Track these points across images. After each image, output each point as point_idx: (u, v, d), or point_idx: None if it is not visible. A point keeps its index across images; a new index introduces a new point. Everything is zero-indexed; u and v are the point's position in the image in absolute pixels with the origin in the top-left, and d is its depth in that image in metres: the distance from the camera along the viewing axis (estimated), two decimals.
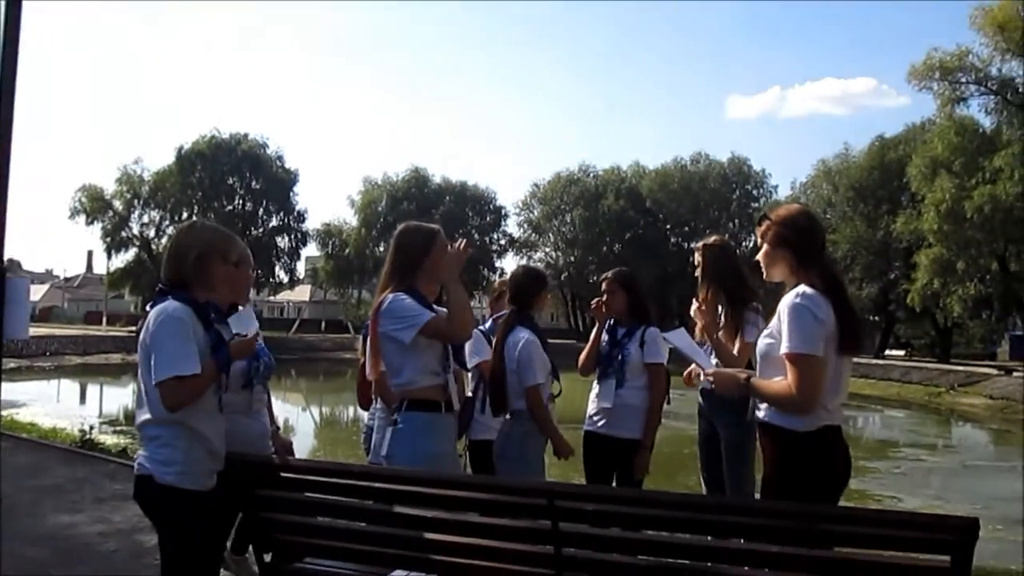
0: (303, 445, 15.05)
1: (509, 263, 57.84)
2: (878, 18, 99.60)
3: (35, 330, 33.02)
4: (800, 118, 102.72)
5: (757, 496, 3.09)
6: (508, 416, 4.16)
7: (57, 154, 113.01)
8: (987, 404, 24.88)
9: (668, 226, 57.16)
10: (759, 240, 3.06)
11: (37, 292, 67.50)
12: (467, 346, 4.60)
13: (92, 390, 26.65)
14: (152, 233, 50.76)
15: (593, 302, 4.63)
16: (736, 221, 55.83)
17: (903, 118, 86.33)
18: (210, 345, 2.79)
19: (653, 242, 54.86)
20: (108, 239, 49.76)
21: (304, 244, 55.76)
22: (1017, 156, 28.27)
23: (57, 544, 5.02)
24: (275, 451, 3.62)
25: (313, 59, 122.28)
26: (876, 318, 44.69)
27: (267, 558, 3.01)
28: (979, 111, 31.57)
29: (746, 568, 2.50)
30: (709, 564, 2.56)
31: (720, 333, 4.17)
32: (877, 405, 26.07)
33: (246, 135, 52.03)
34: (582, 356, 4.59)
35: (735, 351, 4.12)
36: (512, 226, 60.00)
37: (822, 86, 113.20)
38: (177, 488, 2.72)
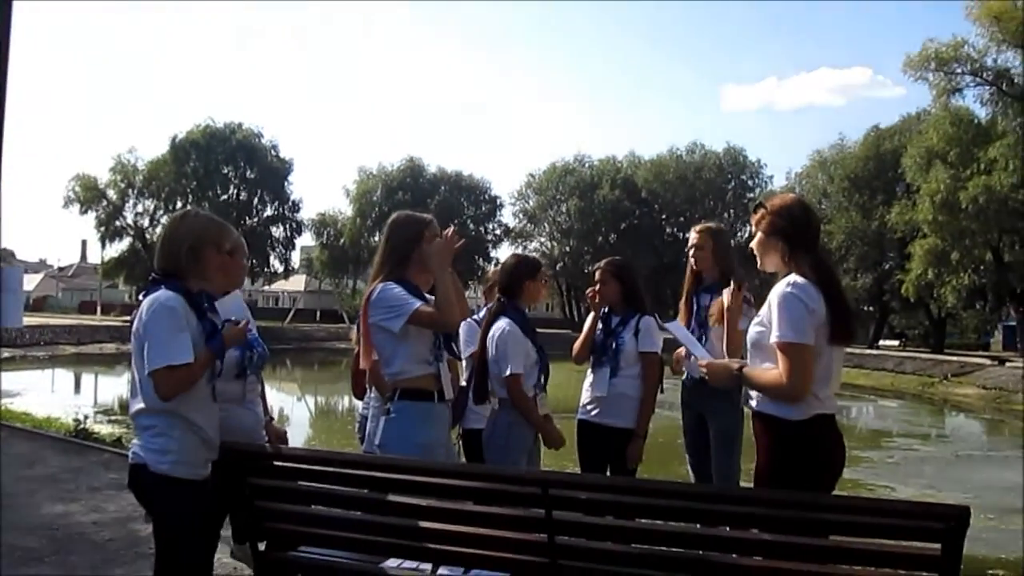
0: (298, 434, 15.05)
1: (504, 253, 57.79)
2: (874, 9, 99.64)
3: (29, 320, 32.94)
4: (796, 108, 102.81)
5: (743, 485, 3.11)
6: (497, 405, 4.16)
7: (51, 143, 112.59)
8: (980, 394, 24.97)
9: (663, 216, 57.17)
10: (754, 228, 3.06)
11: (31, 282, 67.20)
12: (461, 335, 4.61)
13: (86, 379, 26.61)
14: (146, 222, 50.61)
15: (588, 291, 4.62)
16: (731, 211, 55.84)
17: (899, 109, 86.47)
18: (203, 334, 2.78)
19: (648, 232, 54.87)
20: (102, 228, 49.62)
21: (299, 234, 55.71)
22: (1012, 147, 28.30)
23: (52, 533, 5.02)
24: (269, 440, 3.62)
25: (308, 50, 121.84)
26: (870, 308, 44.81)
27: (261, 547, 3.02)
28: (974, 102, 31.61)
29: (738, 556, 2.51)
30: (702, 552, 2.57)
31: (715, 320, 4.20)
32: (871, 395, 26.16)
33: (240, 124, 51.87)
34: (577, 344, 4.59)
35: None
36: (507, 216, 60.05)
37: (818, 76, 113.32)
38: (172, 477, 2.72)
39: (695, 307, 4.44)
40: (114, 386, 22.22)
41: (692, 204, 55.26)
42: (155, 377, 2.65)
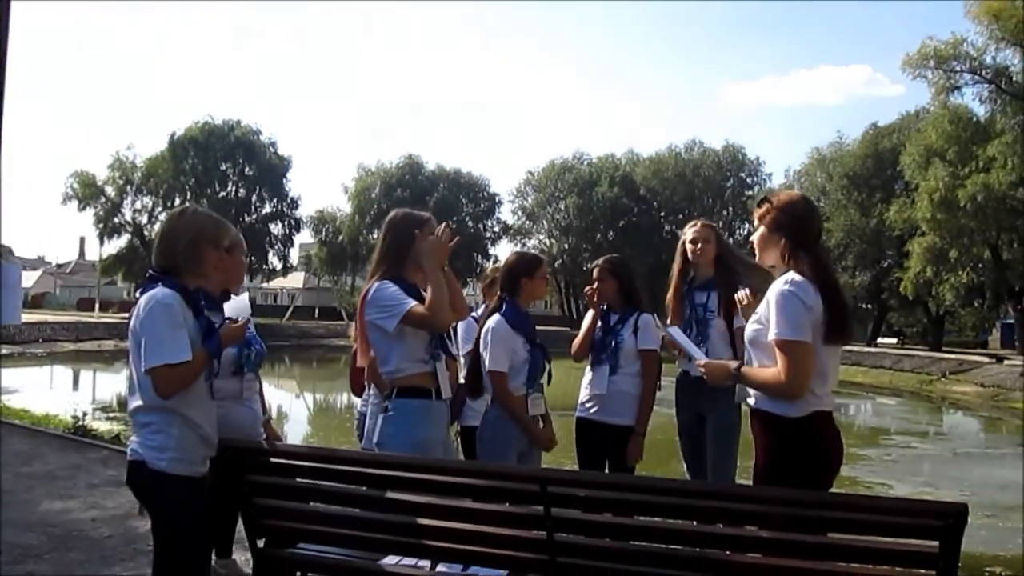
0: (296, 431, 15.06)
1: (503, 250, 57.87)
2: (873, 7, 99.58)
3: (28, 316, 32.99)
4: (795, 106, 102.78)
5: (739, 482, 3.11)
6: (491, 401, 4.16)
7: (49, 140, 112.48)
8: (978, 392, 24.99)
9: (662, 214, 57.16)
10: (756, 223, 3.06)
11: (29, 278, 67.22)
12: (460, 332, 4.61)
13: (85, 376, 26.60)
14: (145, 219, 50.54)
15: (587, 288, 4.62)
16: (730, 209, 55.91)
17: (898, 107, 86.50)
18: (200, 332, 2.78)
19: (647, 229, 54.87)
20: (100, 225, 49.54)
21: (297, 231, 55.65)
22: (1010, 145, 28.30)
23: (50, 530, 5.02)
24: (266, 439, 3.62)
25: (307, 48, 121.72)
26: (869, 306, 44.84)
27: (260, 544, 3.02)
28: (973, 100, 31.61)
29: (737, 553, 2.51)
30: (701, 550, 2.58)
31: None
32: (869, 393, 26.19)
33: (239, 121, 51.83)
34: (576, 342, 4.58)
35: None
36: (506, 213, 60.05)
37: (817, 74, 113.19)
38: (170, 474, 2.72)
39: (690, 306, 4.43)
40: (112, 383, 22.21)
41: (691, 202, 55.26)
42: (153, 375, 2.65)
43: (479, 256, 56.05)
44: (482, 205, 59.03)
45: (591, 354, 4.51)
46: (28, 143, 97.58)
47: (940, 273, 32.76)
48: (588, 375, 4.53)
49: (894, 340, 48.10)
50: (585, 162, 57.89)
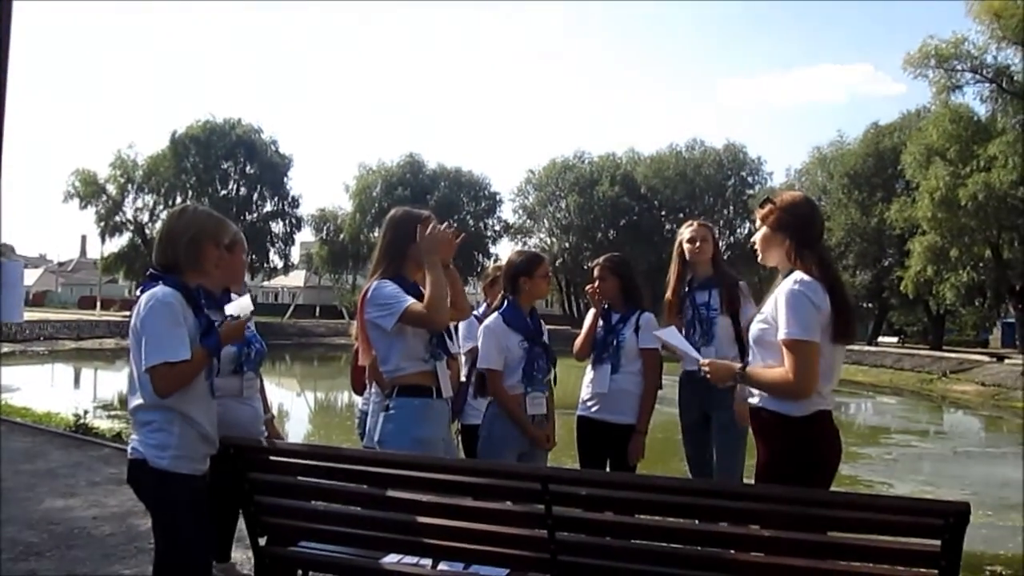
0: (298, 430, 15.08)
1: (504, 249, 57.86)
2: (874, 5, 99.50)
3: (29, 315, 32.96)
4: (796, 104, 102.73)
5: (746, 481, 3.11)
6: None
7: (51, 138, 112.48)
8: (979, 391, 25.00)
9: (663, 213, 57.10)
10: (759, 222, 3.06)
11: (31, 277, 67.30)
12: (461, 330, 4.61)
13: (86, 375, 26.63)
14: (146, 218, 50.61)
15: (588, 287, 4.61)
16: (731, 207, 55.89)
17: (898, 105, 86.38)
18: (200, 330, 2.78)
19: (648, 228, 54.82)
20: (102, 223, 49.59)
21: (299, 229, 55.74)
22: (1011, 144, 28.27)
23: (52, 528, 5.02)
24: (268, 437, 3.63)
25: (308, 47, 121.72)
26: (869, 305, 44.82)
27: (261, 542, 3.02)
28: (974, 99, 31.55)
29: (738, 552, 2.51)
30: (702, 548, 2.58)
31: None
32: (869, 392, 26.20)
33: (240, 120, 51.91)
34: (578, 341, 4.58)
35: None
36: (507, 212, 60.03)
37: (818, 73, 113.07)
38: (171, 472, 2.72)
39: (692, 306, 4.43)
40: (114, 381, 22.24)
41: (692, 200, 55.22)
42: (152, 373, 2.65)
43: (480, 255, 56.03)
44: (483, 204, 59.01)
45: (593, 353, 4.51)
46: (30, 141, 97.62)
47: (941, 272, 32.73)
48: (589, 374, 4.53)
49: (895, 339, 48.07)
50: (586, 161, 57.86)
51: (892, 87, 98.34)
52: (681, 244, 4.50)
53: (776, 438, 2.85)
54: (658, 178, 55.35)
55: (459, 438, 4.63)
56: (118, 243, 50.92)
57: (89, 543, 4.77)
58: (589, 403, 4.47)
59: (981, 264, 33.19)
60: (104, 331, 36.76)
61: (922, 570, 2.29)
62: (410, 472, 2.85)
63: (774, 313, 2.84)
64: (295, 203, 54.33)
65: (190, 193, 49.40)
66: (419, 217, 3.47)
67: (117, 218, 49.99)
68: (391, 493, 2.86)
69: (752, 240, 3.10)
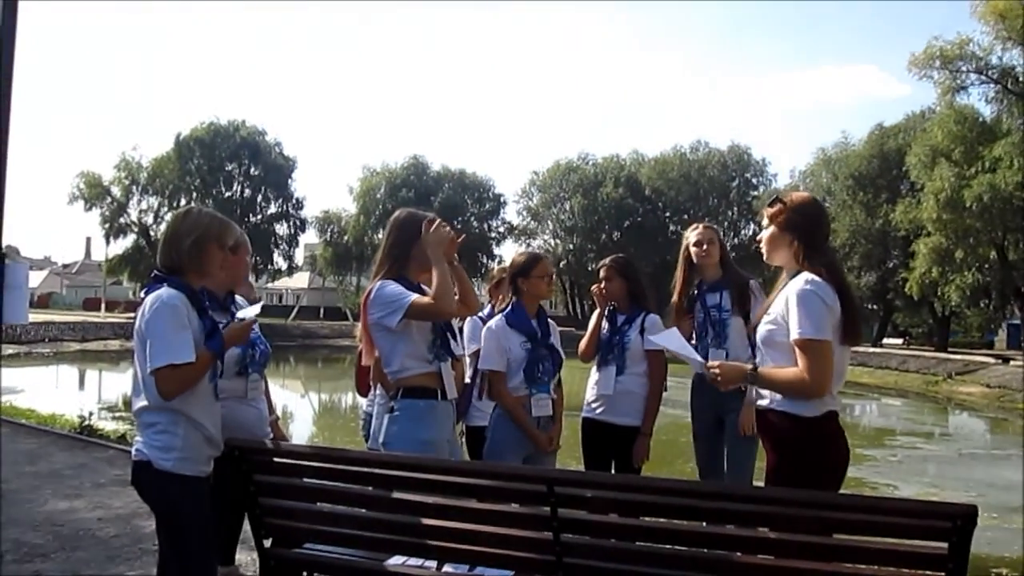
0: (302, 431, 15.10)
1: (508, 250, 57.94)
2: (879, 6, 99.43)
3: (34, 316, 33.04)
4: (800, 106, 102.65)
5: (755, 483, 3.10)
6: None
7: (56, 140, 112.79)
8: (984, 392, 24.94)
9: (667, 214, 57.17)
10: (767, 222, 3.05)
11: (36, 278, 67.44)
12: (466, 332, 4.60)
13: (91, 376, 26.67)
14: (150, 219, 50.79)
15: (594, 288, 4.60)
16: (735, 209, 55.89)
17: (903, 107, 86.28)
18: (204, 332, 2.78)
19: (652, 230, 54.86)
20: (106, 225, 49.75)
21: (303, 231, 55.89)
22: (1017, 145, 28.22)
23: (56, 530, 5.03)
24: (273, 439, 3.63)
25: (312, 49, 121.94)
26: (874, 307, 44.75)
27: (266, 544, 3.02)
28: (979, 100, 31.59)
29: (744, 555, 2.50)
30: (708, 551, 2.57)
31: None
32: (874, 393, 26.16)
33: (244, 122, 52.06)
34: (583, 342, 4.56)
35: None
36: (511, 214, 60.10)
37: (822, 74, 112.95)
38: (175, 474, 2.72)
39: (703, 309, 4.41)
40: (118, 383, 22.24)
41: (696, 202, 55.25)
42: (157, 376, 2.65)
43: (484, 256, 56.10)
44: (487, 205, 59.06)
45: (598, 354, 4.50)
46: (35, 143, 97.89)
47: (946, 273, 32.66)
48: (594, 375, 4.52)
49: (900, 341, 47.95)
50: (590, 162, 57.92)
51: (897, 88, 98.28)
52: (687, 248, 4.48)
53: (788, 440, 2.85)
54: (662, 180, 55.39)
55: (464, 440, 4.62)
56: (122, 245, 51.21)
57: (93, 545, 4.77)
58: (594, 405, 4.45)
59: (986, 265, 33.12)
60: (108, 333, 36.82)
61: (929, 573, 2.28)
62: (415, 474, 2.84)
63: (784, 313, 2.83)
64: (299, 205, 54.51)
65: (194, 195, 49.53)
66: (423, 218, 3.47)
67: (121, 220, 50.14)
68: (396, 495, 2.86)
69: (758, 239, 3.10)
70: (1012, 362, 28.18)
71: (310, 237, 59.17)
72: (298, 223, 54.92)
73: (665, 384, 4.46)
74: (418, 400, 3.36)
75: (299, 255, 59.39)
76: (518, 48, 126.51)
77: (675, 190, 55.30)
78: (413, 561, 2.92)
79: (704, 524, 2.67)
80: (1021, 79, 29.60)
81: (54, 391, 19.99)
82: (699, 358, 3.25)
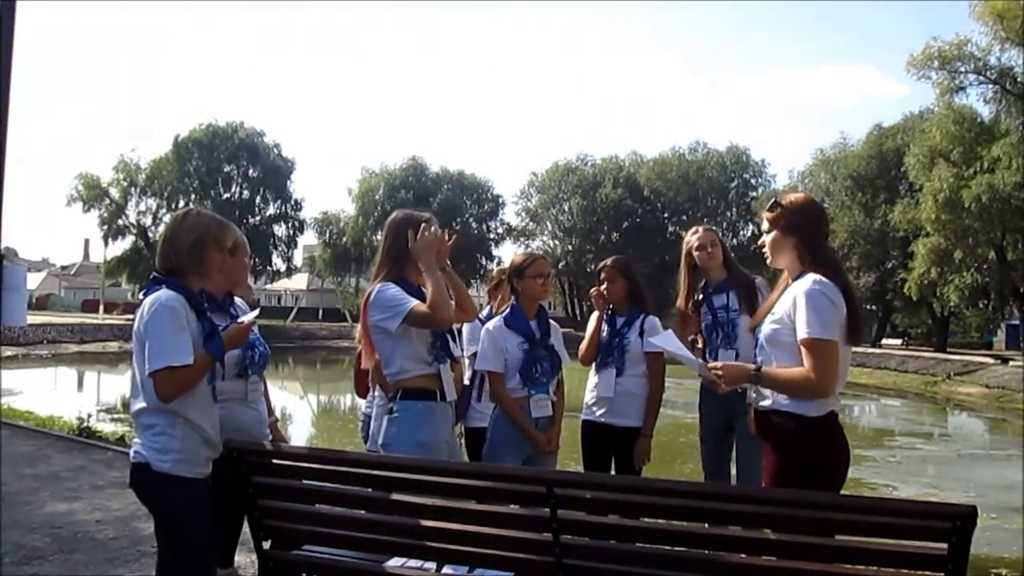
0: (301, 433, 15.08)
1: (507, 252, 57.97)
2: (877, 6, 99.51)
3: (32, 318, 32.99)
4: (798, 106, 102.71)
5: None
6: None
7: (54, 142, 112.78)
8: (983, 393, 24.95)
9: (666, 215, 57.22)
10: (768, 225, 3.05)
11: (34, 280, 67.35)
12: (465, 333, 4.60)
13: (89, 378, 26.65)
14: (149, 221, 50.71)
15: (592, 290, 4.60)
16: (734, 210, 55.93)
17: (902, 107, 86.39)
18: (203, 334, 2.78)
19: (651, 231, 54.90)
20: (105, 227, 49.68)
21: (301, 232, 55.81)
22: (1015, 145, 28.22)
23: (55, 532, 5.03)
24: (272, 441, 3.62)
25: (311, 50, 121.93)
26: (873, 307, 44.75)
27: (265, 546, 3.01)
28: (978, 100, 31.55)
29: (744, 556, 2.50)
30: (708, 552, 2.56)
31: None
32: (873, 394, 26.15)
33: (242, 123, 51.98)
34: (583, 345, 4.56)
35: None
36: (510, 215, 60.12)
37: (821, 73, 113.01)
38: (173, 476, 2.72)
39: (710, 311, 4.40)
40: (117, 385, 22.23)
41: (695, 203, 55.29)
42: (155, 378, 2.65)
43: (483, 258, 56.11)
44: (486, 207, 59.05)
45: (598, 356, 4.49)
46: (33, 145, 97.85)
47: (945, 274, 32.66)
48: (593, 377, 4.52)
49: (899, 341, 47.98)
50: (589, 163, 57.94)
51: (895, 88, 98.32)
52: (690, 252, 4.47)
53: (792, 440, 2.85)
54: (661, 180, 55.43)
55: (463, 441, 4.62)
56: (121, 247, 51.14)
57: (92, 547, 4.77)
58: (594, 407, 4.45)
59: (985, 266, 33.12)
60: (107, 334, 36.79)
61: (929, 573, 2.28)
62: (414, 475, 2.84)
63: (790, 313, 2.84)
64: (298, 206, 54.43)
65: (193, 196, 49.49)
66: (420, 219, 3.46)
67: (120, 222, 50.10)
68: (395, 496, 2.85)
69: (761, 242, 3.10)
70: (1011, 362, 28.18)
71: (309, 238, 59.23)
72: (297, 224, 54.90)
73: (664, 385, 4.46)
74: (417, 402, 3.36)
75: (298, 256, 59.44)
76: (517, 49, 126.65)
77: (674, 191, 55.33)
78: (412, 563, 2.91)
79: (705, 525, 2.67)
80: (1019, 79, 29.61)
81: (53, 393, 19.97)
82: (697, 360, 3.25)
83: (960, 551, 2.17)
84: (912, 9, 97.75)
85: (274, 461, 3.07)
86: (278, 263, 54.35)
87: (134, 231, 50.47)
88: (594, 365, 4.52)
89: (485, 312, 4.89)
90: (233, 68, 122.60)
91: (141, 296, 2.88)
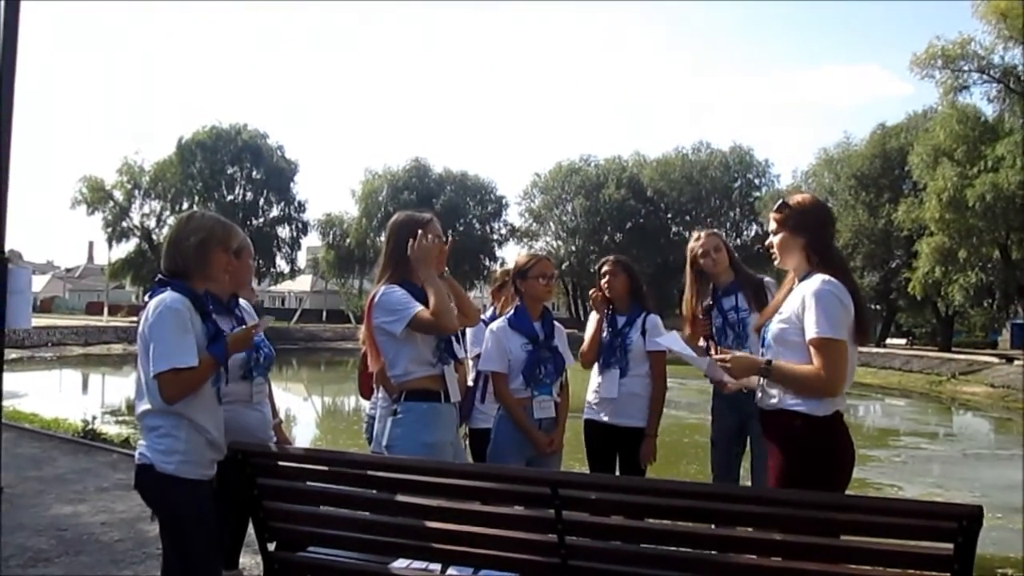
0: (305, 434, 15.09)
1: (510, 252, 57.98)
2: (880, 5, 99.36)
3: (37, 321, 33.00)
4: (801, 105, 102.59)
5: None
6: None
7: (58, 144, 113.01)
8: (988, 392, 24.87)
9: (669, 215, 57.21)
10: (776, 226, 3.06)
11: (38, 283, 67.51)
12: (468, 335, 4.60)
13: (94, 380, 26.69)
14: (153, 223, 50.85)
15: (593, 291, 4.59)
16: (737, 210, 55.86)
17: (905, 106, 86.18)
18: (207, 336, 2.79)
19: (654, 231, 54.91)
20: (109, 229, 49.81)
21: (305, 234, 55.89)
22: (1019, 144, 28.15)
23: (60, 534, 5.04)
24: (276, 443, 3.62)
25: (314, 51, 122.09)
26: (877, 307, 44.66)
27: (270, 548, 3.02)
28: (981, 99, 31.54)
29: (750, 556, 2.50)
30: (713, 552, 2.56)
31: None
32: (878, 394, 26.10)
33: (245, 125, 52.15)
34: (584, 348, 4.54)
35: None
36: (513, 216, 60.18)
37: (825, 73, 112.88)
38: (178, 477, 2.73)
39: (720, 313, 4.39)
40: (121, 387, 22.27)
41: (698, 203, 55.26)
42: (159, 380, 2.65)
43: (486, 259, 56.14)
44: (489, 207, 59.08)
45: (600, 357, 4.48)
46: (37, 148, 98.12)
47: (949, 273, 32.58)
48: (596, 378, 4.50)
49: (903, 341, 47.90)
50: (592, 164, 57.96)
51: (899, 87, 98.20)
52: (696, 258, 4.47)
53: (797, 439, 2.86)
54: (664, 181, 55.40)
55: (467, 442, 4.62)
56: (125, 249, 51.25)
57: (97, 549, 4.78)
58: (598, 408, 4.45)
59: (989, 265, 33.06)
60: (111, 337, 36.88)
61: (935, 574, 2.27)
62: (419, 477, 2.84)
63: (799, 312, 2.85)
64: (301, 208, 54.54)
65: (196, 198, 49.61)
66: (421, 221, 3.48)
67: (124, 224, 50.20)
68: (400, 498, 2.85)
69: (768, 243, 3.10)
70: (1016, 361, 28.08)
71: (312, 240, 59.30)
72: (300, 226, 54.99)
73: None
74: (421, 403, 3.37)
75: (301, 258, 59.47)
76: (519, 49, 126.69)
77: (677, 191, 55.30)
78: (417, 564, 2.91)
79: (710, 526, 2.66)
80: (1023, 78, 29.55)
81: (57, 395, 19.99)
82: (704, 359, 3.24)
83: (966, 551, 2.17)
84: (915, 8, 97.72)
85: (279, 463, 3.07)
86: (282, 265, 54.54)
87: (138, 233, 50.59)
88: (596, 366, 4.51)
89: (489, 313, 4.89)
90: (236, 70, 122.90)
91: (146, 298, 2.89)
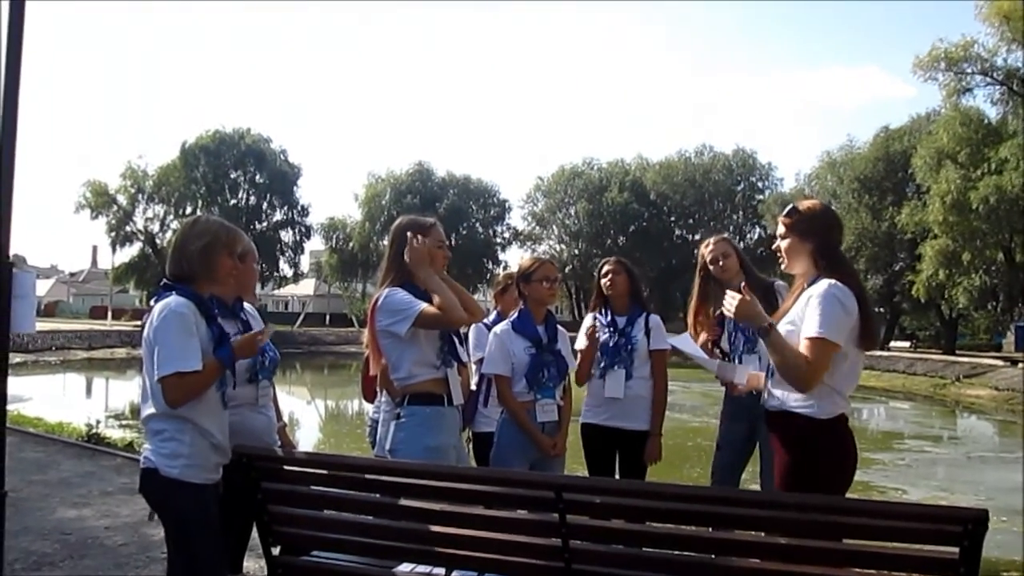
0: (308, 438, 15.08)
1: (513, 256, 57.99)
2: (883, 7, 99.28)
3: (41, 325, 33.14)
4: (804, 108, 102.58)
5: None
6: None
7: (62, 149, 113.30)
8: (992, 395, 24.82)
9: (672, 219, 57.18)
10: (783, 231, 3.08)
11: (42, 287, 67.66)
12: (471, 338, 4.61)
13: (98, 384, 26.70)
14: (156, 228, 50.97)
15: (594, 298, 4.62)
16: (740, 213, 55.84)
17: (908, 109, 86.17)
18: (212, 340, 2.79)
19: (657, 234, 54.90)
20: (113, 234, 49.95)
21: (308, 238, 55.97)
22: (1023, 146, 28.11)
23: (64, 538, 5.04)
24: (281, 446, 3.62)
25: (318, 56, 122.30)
26: (881, 309, 44.54)
27: (275, 552, 3.02)
28: (985, 102, 31.40)
29: (753, 560, 2.49)
30: (716, 556, 2.56)
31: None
32: (882, 397, 26.04)
33: (249, 129, 52.23)
34: (578, 370, 4.48)
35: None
36: (516, 219, 60.14)
37: (827, 75, 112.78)
38: (182, 481, 2.73)
39: (732, 319, 4.39)
40: (125, 391, 22.30)
41: (701, 206, 55.25)
42: (164, 384, 2.66)
43: (489, 262, 56.16)
44: (492, 211, 59.12)
45: (602, 358, 4.46)
46: (41, 152, 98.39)
47: (953, 276, 32.53)
48: (597, 380, 4.48)
49: (907, 344, 47.82)
50: (595, 167, 57.96)
51: (902, 90, 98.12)
52: (705, 265, 4.47)
53: (800, 440, 2.87)
54: (667, 184, 55.40)
55: (470, 446, 4.62)
56: (129, 253, 51.37)
57: (101, 553, 4.78)
58: (600, 410, 4.43)
59: (993, 267, 33.01)
60: (115, 341, 36.92)
61: None
62: (422, 481, 2.84)
63: (802, 315, 2.86)
64: (304, 212, 54.63)
65: (200, 203, 49.70)
66: (424, 224, 3.49)
67: (128, 228, 50.34)
68: (403, 502, 2.85)
69: (776, 247, 3.12)
70: (1020, 364, 28.00)
71: (315, 244, 59.37)
72: (303, 230, 55.07)
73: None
74: (424, 406, 3.37)
75: (305, 262, 59.51)
76: (520, 50, 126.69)
77: (680, 194, 55.29)
78: (421, 568, 2.92)
79: (712, 529, 2.66)
80: None
81: (61, 399, 20.02)
82: (714, 360, 3.26)
83: (972, 555, 2.16)
84: (918, 10, 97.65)
85: (284, 467, 3.08)
86: (285, 269, 54.62)
87: (142, 238, 50.70)
88: (595, 369, 4.48)
89: (492, 317, 4.89)
90: (239, 74, 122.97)
91: (152, 302, 2.89)
